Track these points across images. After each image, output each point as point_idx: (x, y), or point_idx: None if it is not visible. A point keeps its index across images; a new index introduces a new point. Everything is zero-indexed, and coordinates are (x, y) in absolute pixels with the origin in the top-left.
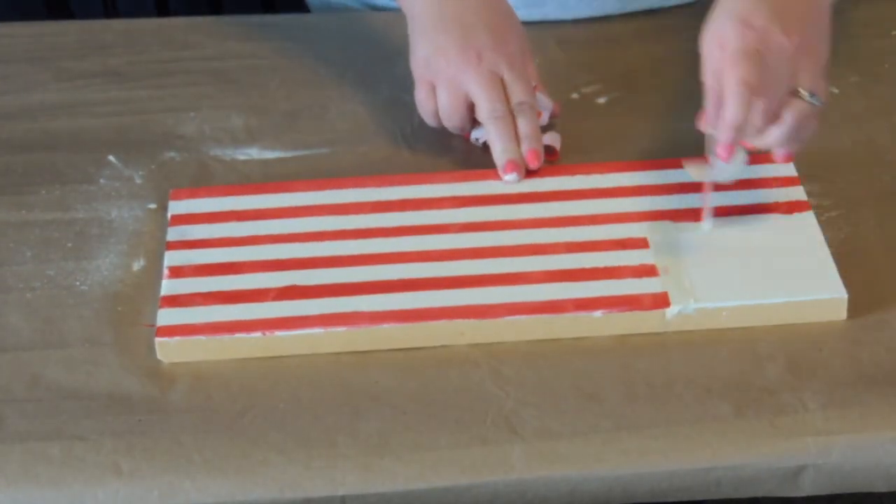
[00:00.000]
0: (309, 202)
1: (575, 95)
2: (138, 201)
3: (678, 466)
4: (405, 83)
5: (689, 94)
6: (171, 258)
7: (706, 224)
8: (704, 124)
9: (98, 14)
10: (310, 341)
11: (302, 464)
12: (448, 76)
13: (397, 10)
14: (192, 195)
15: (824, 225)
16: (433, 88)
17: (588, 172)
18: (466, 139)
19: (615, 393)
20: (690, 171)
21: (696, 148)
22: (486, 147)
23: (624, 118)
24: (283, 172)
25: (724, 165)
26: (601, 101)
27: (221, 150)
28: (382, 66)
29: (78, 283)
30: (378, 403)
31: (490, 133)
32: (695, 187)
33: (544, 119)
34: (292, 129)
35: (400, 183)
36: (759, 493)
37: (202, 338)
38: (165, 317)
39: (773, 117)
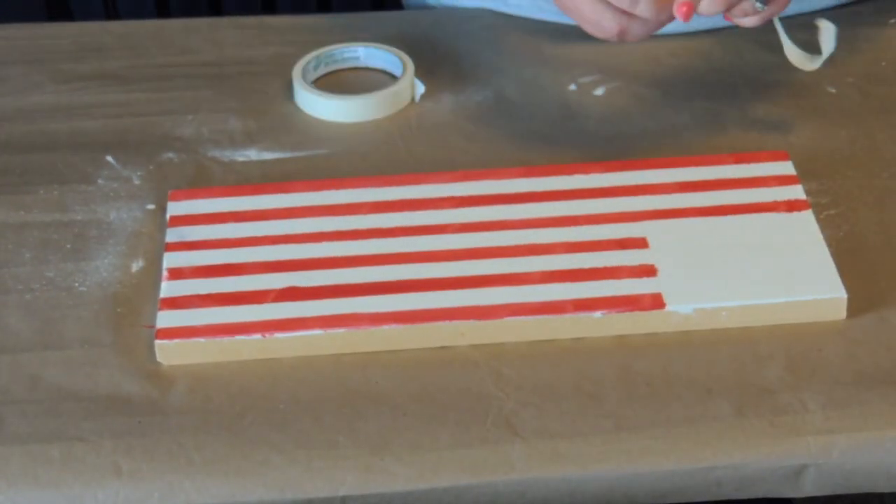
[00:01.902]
0: (308, 203)
1: (573, 87)
2: (137, 202)
3: (679, 466)
4: None
5: (688, 88)
6: (170, 259)
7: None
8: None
9: (98, 14)
10: (309, 343)
11: (302, 464)
12: None
13: (416, 9)
14: (191, 196)
15: (823, 223)
16: None
17: (587, 172)
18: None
19: (615, 393)
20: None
21: (694, 147)
22: (487, 145)
23: (622, 111)
24: (282, 173)
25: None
26: (598, 92)
27: (220, 152)
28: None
29: (77, 285)
30: (378, 404)
31: None
32: (694, 187)
33: None
34: (291, 130)
35: (399, 183)
36: (761, 494)
37: (202, 340)
38: (165, 319)
39: None
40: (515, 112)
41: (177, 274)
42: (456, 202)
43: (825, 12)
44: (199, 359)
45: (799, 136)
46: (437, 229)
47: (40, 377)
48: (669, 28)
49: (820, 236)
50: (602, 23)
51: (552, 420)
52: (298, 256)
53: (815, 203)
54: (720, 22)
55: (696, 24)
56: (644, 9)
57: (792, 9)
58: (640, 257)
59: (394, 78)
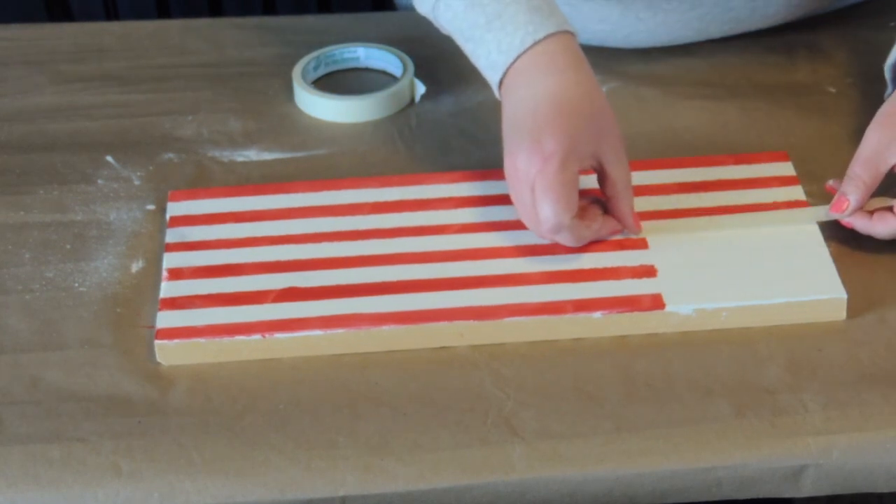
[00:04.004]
0: (308, 203)
1: None
2: (137, 202)
3: (679, 467)
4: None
5: (688, 88)
6: (170, 260)
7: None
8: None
9: (98, 14)
10: (309, 343)
11: (302, 464)
12: None
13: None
14: (191, 196)
15: (823, 224)
16: None
17: (587, 172)
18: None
19: (615, 394)
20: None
21: (694, 147)
22: (487, 145)
23: (622, 111)
24: (282, 174)
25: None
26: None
27: (220, 152)
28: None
29: (77, 285)
30: (378, 404)
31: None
32: (694, 187)
33: None
34: (290, 130)
35: (399, 184)
36: (761, 494)
37: (202, 340)
38: (165, 319)
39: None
40: None
41: (177, 274)
42: (455, 203)
43: (828, 14)
44: (198, 359)
45: (799, 136)
46: (437, 230)
47: (40, 377)
48: (671, 35)
49: (820, 237)
50: (534, 230)
51: (552, 421)
52: (298, 257)
53: (815, 204)
54: (722, 31)
55: (697, 34)
56: (565, 239)
57: (797, 13)
58: (640, 258)
59: (394, 78)
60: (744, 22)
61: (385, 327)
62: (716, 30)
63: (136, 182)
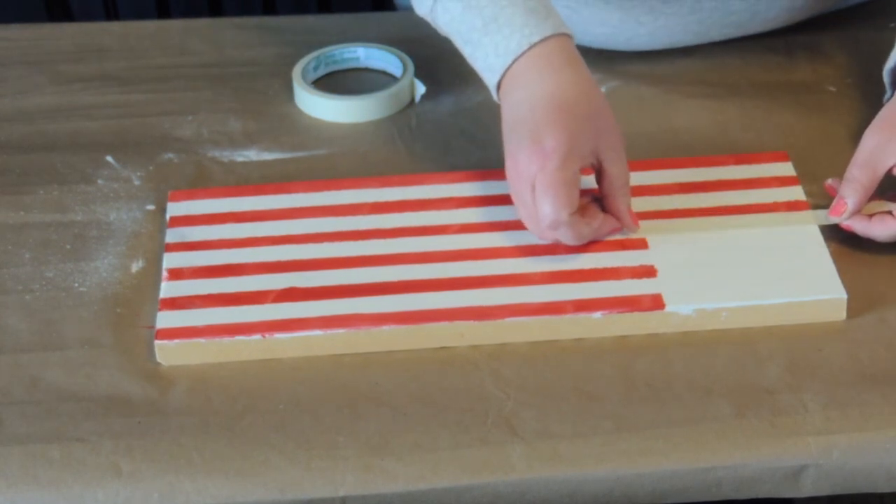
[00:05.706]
0: (308, 203)
1: None
2: (137, 202)
3: (678, 467)
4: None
5: (688, 88)
6: (170, 260)
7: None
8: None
9: (98, 14)
10: (309, 343)
11: (302, 465)
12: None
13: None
14: (191, 196)
15: (823, 225)
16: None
17: (587, 173)
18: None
19: (615, 394)
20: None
21: (694, 147)
22: (487, 145)
23: (622, 111)
24: (282, 174)
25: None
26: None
27: (220, 152)
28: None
29: (77, 285)
30: (378, 404)
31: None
32: (694, 187)
33: None
34: (290, 130)
35: (399, 184)
36: (761, 494)
37: (202, 340)
38: (165, 319)
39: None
40: None
41: (177, 274)
42: (456, 203)
43: (828, 15)
44: (199, 359)
45: (799, 137)
46: (437, 230)
47: (40, 377)
48: (671, 38)
49: (820, 237)
50: (534, 230)
51: (552, 421)
52: (298, 257)
53: (816, 205)
54: (722, 34)
55: (698, 38)
56: (564, 237)
57: (797, 16)
58: (640, 258)
59: (394, 78)
60: (744, 26)
61: (385, 327)
62: (716, 33)
63: (136, 182)
